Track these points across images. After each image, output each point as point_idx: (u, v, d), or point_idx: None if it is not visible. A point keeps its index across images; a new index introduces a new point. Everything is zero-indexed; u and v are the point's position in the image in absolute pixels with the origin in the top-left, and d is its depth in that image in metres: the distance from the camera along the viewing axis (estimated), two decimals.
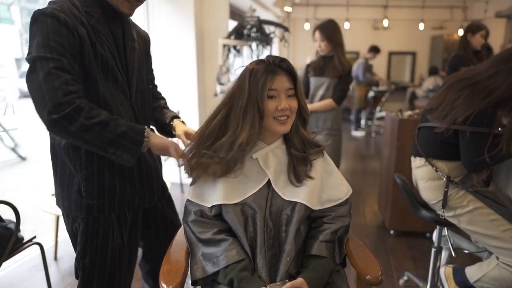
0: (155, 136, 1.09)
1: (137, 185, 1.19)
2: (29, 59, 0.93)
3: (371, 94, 6.82)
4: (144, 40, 1.25)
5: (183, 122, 1.34)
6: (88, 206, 1.11)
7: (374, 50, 6.52)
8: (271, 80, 1.02)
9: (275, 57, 1.06)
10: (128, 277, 1.27)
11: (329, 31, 2.39)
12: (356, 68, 6.41)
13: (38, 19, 0.93)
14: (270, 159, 1.09)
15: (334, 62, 2.40)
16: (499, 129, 1.37)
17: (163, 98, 1.46)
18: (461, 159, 1.47)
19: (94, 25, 1.01)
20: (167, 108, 1.41)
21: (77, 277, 1.20)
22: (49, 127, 0.95)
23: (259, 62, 1.06)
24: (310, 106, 2.36)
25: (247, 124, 1.01)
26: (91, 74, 1.00)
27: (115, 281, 1.20)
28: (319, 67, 2.49)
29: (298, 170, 1.07)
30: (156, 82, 1.43)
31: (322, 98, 2.46)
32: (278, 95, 1.04)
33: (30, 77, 0.93)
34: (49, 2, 0.98)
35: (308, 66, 2.59)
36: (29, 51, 0.95)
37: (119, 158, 1.01)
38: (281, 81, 1.04)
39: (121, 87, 1.09)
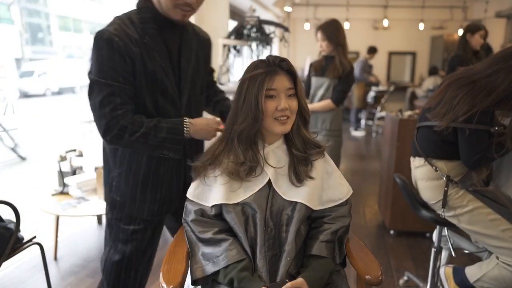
0: (193, 127, 1.14)
1: (158, 195, 1.23)
2: (90, 79, 1.09)
3: (372, 94, 6.82)
4: (203, 45, 1.28)
5: None
6: (112, 200, 1.23)
7: (372, 51, 6.59)
8: (270, 80, 1.02)
9: (276, 57, 1.06)
10: (146, 273, 1.37)
11: (331, 31, 2.38)
12: (355, 67, 6.43)
13: (97, 43, 1.06)
14: (271, 159, 1.08)
15: (335, 62, 2.39)
16: (499, 127, 1.38)
17: (222, 91, 1.49)
18: (461, 157, 1.48)
19: (148, 43, 1.08)
20: (228, 99, 1.45)
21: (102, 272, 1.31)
22: (107, 143, 1.15)
23: (259, 62, 1.06)
24: (309, 106, 2.35)
25: (244, 123, 1.03)
26: (140, 88, 1.10)
27: (132, 276, 1.28)
28: (320, 67, 2.49)
29: (298, 170, 1.07)
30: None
31: (322, 98, 2.45)
32: (278, 95, 1.04)
33: (90, 97, 1.09)
34: (110, 23, 1.09)
35: (310, 65, 2.59)
36: (90, 69, 1.10)
37: (167, 156, 1.13)
38: (281, 81, 1.04)
39: (170, 99, 1.15)
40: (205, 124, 1.16)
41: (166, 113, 1.15)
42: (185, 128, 1.11)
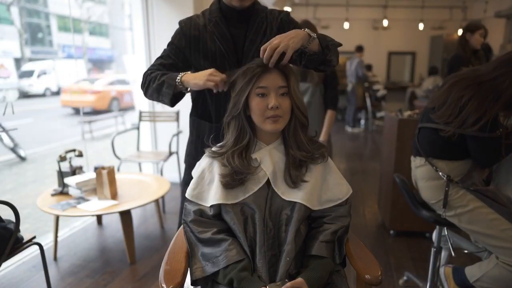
0: (186, 76, 1.19)
1: None
2: None
3: (380, 93, 6.84)
4: (277, 25, 1.33)
5: None
6: (187, 162, 1.48)
7: (359, 49, 6.52)
8: (259, 77, 1.03)
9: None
10: None
11: (314, 29, 2.24)
12: (355, 66, 6.39)
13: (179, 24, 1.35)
14: (270, 159, 1.08)
15: None
16: (503, 129, 1.38)
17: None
18: (473, 159, 1.50)
19: (210, 29, 1.29)
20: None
21: None
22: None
23: (255, 60, 1.08)
24: (323, 137, 2.29)
25: (229, 115, 1.08)
26: (195, 64, 1.31)
27: None
28: (300, 71, 2.32)
29: (292, 173, 1.06)
30: None
31: (309, 105, 2.32)
32: (269, 93, 1.04)
33: None
34: (194, 14, 1.35)
35: None
36: None
37: (163, 102, 1.25)
38: (272, 79, 1.04)
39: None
40: (197, 75, 1.19)
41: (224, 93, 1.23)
42: (178, 75, 1.19)
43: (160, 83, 1.22)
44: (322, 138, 2.29)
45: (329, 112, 2.34)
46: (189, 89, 1.21)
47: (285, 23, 1.35)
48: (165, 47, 1.36)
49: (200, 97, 1.39)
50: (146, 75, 1.29)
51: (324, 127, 2.34)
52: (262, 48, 1.04)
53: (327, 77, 2.32)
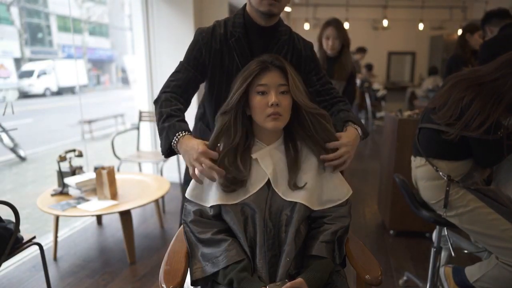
0: (179, 145, 1.07)
1: None
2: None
3: (380, 93, 6.82)
4: (297, 55, 1.29)
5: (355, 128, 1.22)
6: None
7: (362, 50, 6.47)
8: (259, 75, 1.04)
9: (269, 55, 1.08)
10: None
11: (343, 29, 2.24)
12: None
13: (194, 34, 1.29)
14: (270, 159, 1.08)
15: (341, 63, 2.26)
16: (504, 129, 1.38)
17: (343, 102, 1.35)
18: (475, 159, 1.49)
19: (231, 44, 1.24)
20: (347, 110, 1.31)
21: None
22: None
23: (254, 60, 1.08)
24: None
25: (227, 114, 1.06)
26: (213, 80, 1.27)
27: None
28: (326, 68, 2.31)
29: (292, 173, 1.06)
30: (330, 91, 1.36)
31: None
32: (269, 91, 1.04)
33: None
34: (215, 21, 1.29)
35: None
36: None
37: (161, 144, 1.15)
38: (272, 77, 1.04)
39: None
40: (190, 148, 1.05)
41: None
42: (174, 139, 1.08)
43: (161, 127, 1.14)
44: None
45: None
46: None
47: (307, 58, 1.31)
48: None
49: (203, 106, 1.38)
50: (159, 98, 1.21)
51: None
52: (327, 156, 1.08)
53: (350, 75, 2.33)
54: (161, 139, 1.14)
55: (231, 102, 1.06)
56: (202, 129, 1.47)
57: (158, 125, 1.17)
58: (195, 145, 1.03)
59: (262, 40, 1.25)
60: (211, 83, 1.30)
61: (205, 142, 1.05)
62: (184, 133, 1.08)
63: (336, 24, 2.25)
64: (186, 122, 1.15)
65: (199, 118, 1.53)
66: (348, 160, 1.11)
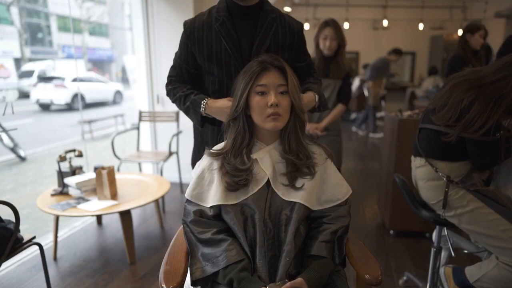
0: (210, 105, 1.22)
1: None
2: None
3: (380, 93, 6.78)
4: (288, 32, 1.30)
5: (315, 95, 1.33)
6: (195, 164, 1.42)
7: (397, 52, 5.96)
8: (259, 75, 1.04)
9: (269, 55, 1.09)
10: None
11: (340, 30, 2.29)
12: (374, 63, 6.10)
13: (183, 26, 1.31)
14: (269, 159, 1.08)
15: (338, 62, 2.31)
16: (504, 131, 1.38)
17: (316, 80, 1.43)
18: (472, 161, 1.49)
19: (217, 29, 1.25)
20: (316, 84, 1.41)
21: None
22: None
23: (254, 60, 1.09)
24: (324, 123, 2.31)
25: (230, 117, 1.10)
26: (206, 67, 1.29)
27: None
28: (319, 68, 2.35)
29: (292, 173, 1.07)
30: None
31: (328, 100, 2.36)
32: (268, 91, 1.05)
33: None
34: (200, 13, 1.32)
35: None
36: None
37: (193, 120, 1.30)
38: (271, 77, 1.05)
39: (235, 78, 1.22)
40: (219, 108, 1.21)
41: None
42: (202, 105, 1.23)
43: (186, 107, 1.27)
44: (322, 124, 2.32)
45: (340, 105, 2.38)
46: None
47: (299, 36, 1.32)
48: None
49: None
50: (169, 90, 1.34)
51: (328, 116, 2.37)
52: None
53: (346, 74, 2.36)
54: (191, 117, 1.29)
55: (240, 108, 1.06)
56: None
57: (181, 109, 1.31)
58: (225, 102, 1.18)
59: (247, 21, 1.26)
60: (203, 71, 1.32)
61: (229, 99, 1.18)
62: (206, 100, 1.22)
63: (334, 25, 2.29)
64: (201, 94, 1.28)
65: None
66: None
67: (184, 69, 1.32)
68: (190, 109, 1.26)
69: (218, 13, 1.26)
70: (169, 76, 1.36)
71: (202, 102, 1.23)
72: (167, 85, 1.36)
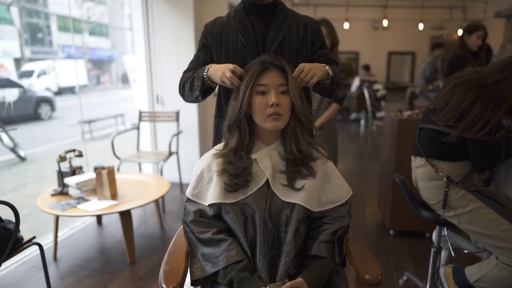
0: (211, 68, 1.23)
1: None
2: None
3: (380, 93, 6.75)
4: (302, 28, 1.35)
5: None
6: None
7: (438, 46, 5.63)
8: (260, 75, 1.05)
9: (269, 55, 1.10)
10: None
11: (333, 29, 2.32)
12: (424, 67, 5.70)
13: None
14: (269, 159, 1.08)
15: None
16: (505, 131, 1.38)
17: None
18: (472, 161, 1.49)
19: (234, 25, 1.33)
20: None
21: None
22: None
23: (255, 60, 1.09)
24: (319, 122, 2.32)
25: (230, 117, 1.09)
26: (223, 59, 1.33)
27: None
28: None
29: (291, 174, 1.06)
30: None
31: (322, 100, 2.39)
32: (269, 91, 1.05)
33: None
34: (218, 16, 1.40)
35: None
36: None
37: (196, 99, 1.32)
38: (272, 77, 1.05)
39: None
40: (221, 67, 1.22)
41: None
42: (205, 69, 1.24)
43: (191, 81, 1.30)
44: (316, 123, 2.32)
45: (334, 104, 2.38)
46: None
47: (313, 32, 1.36)
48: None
49: (219, 95, 1.43)
50: (180, 82, 1.37)
51: (323, 115, 2.38)
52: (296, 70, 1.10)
53: None
54: (194, 88, 1.28)
55: (243, 110, 1.06)
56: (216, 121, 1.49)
57: (188, 88, 1.31)
58: (227, 64, 1.18)
59: (263, 18, 1.34)
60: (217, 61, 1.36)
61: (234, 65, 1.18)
62: (209, 66, 1.23)
63: (326, 24, 2.33)
64: None
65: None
66: (312, 73, 1.12)
67: (202, 60, 1.37)
68: (195, 78, 1.28)
69: (236, 13, 1.35)
70: (184, 71, 1.39)
71: (207, 66, 1.27)
72: (182, 76, 1.39)
